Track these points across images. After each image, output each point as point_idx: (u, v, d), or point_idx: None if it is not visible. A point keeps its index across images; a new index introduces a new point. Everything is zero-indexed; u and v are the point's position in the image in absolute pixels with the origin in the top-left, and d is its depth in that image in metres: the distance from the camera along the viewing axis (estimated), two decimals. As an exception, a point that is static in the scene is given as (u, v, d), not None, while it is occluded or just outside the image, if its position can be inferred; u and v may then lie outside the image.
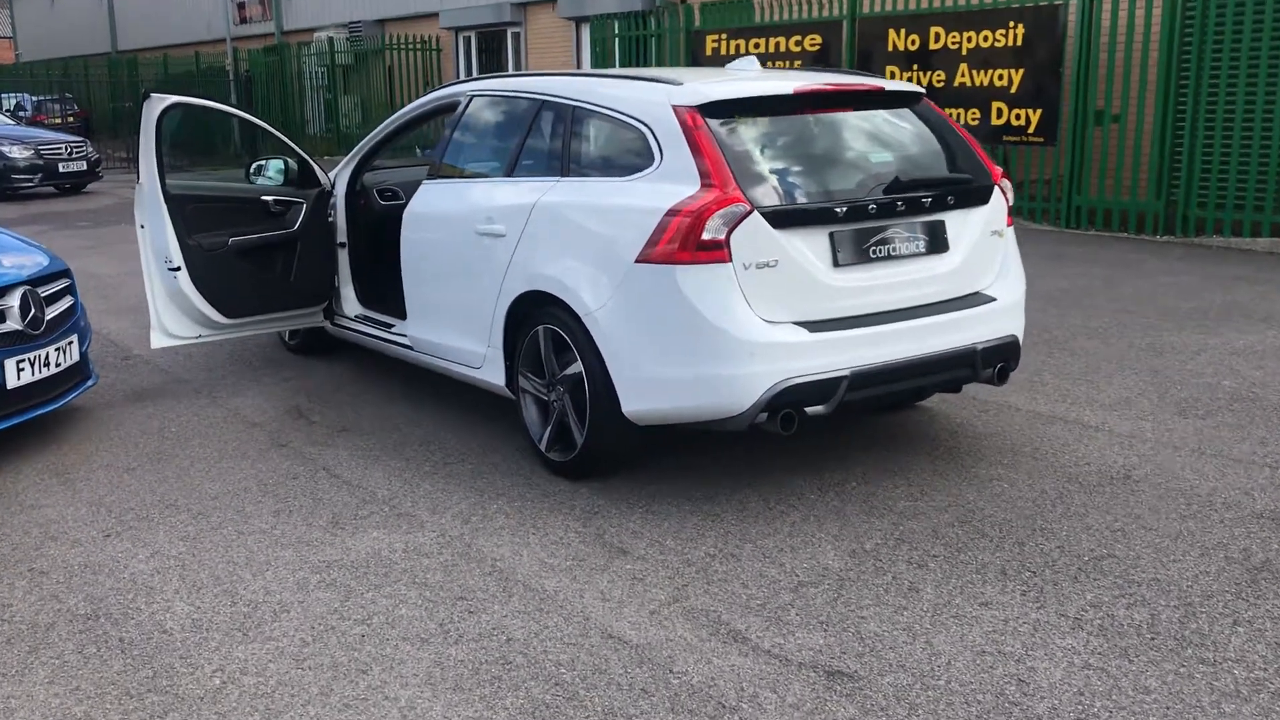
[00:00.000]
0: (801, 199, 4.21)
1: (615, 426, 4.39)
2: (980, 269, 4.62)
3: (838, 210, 4.19)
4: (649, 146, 4.33)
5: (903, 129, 4.65)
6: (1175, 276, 8.61)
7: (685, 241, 4.05)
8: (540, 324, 4.63)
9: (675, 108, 4.29)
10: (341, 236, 6.32)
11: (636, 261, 4.18)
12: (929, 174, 4.62)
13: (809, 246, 4.17)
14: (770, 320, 4.10)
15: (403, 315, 5.70)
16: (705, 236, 4.02)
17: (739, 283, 4.06)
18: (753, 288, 4.07)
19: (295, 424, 5.50)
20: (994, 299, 4.59)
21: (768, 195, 4.13)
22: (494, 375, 4.97)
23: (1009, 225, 4.76)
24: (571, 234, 4.49)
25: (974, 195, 4.60)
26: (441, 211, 5.28)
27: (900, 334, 4.28)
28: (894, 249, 4.35)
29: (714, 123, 4.24)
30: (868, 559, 3.80)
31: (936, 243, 4.47)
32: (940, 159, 4.70)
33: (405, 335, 5.63)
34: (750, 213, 4.04)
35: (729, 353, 4.04)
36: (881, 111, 4.66)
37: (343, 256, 6.33)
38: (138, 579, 3.82)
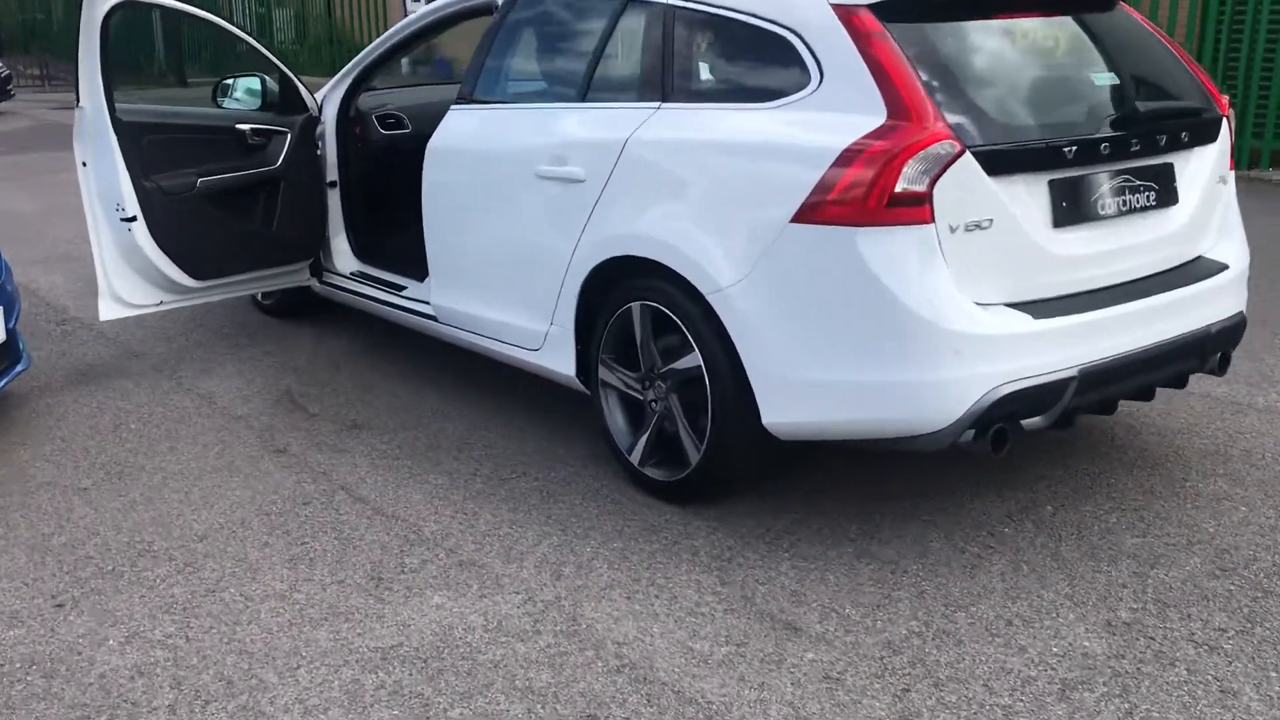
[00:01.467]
0: (1018, 135, 3.07)
1: (746, 440, 3.28)
2: (1205, 226, 3.55)
3: (1065, 150, 3.07)
4: (799, 61, 3.16)
5: (1115, 42, 3.52)
6: None
7: (871, 194, 2.90)
8: (635, 300, 3.48)
9: (837, 6, 3.11)
10: (332, 174, 5.09)
11: (793, 222, 3.02)
12: (1155, 103, 3.51)
13: (1030, 199, 3.05)
14: (982, 303, 2.99)
15: (420, 276, 4.51)
16: (901, 188, 2.89)
17: (942, 251, 2.93)
18: (959, 258, 2.96)
19: (290, 417, 4.31)
20: (1224, 266, 3.53)
21: (976, 129, 2.99)
22: (559, 362, 3.81)
23: (1230, 170, 3.68)
24: (687, 182, 3.33)
25: (1204, 131, 3.51)
26: (481, 148, 4.06)
27: (1132, 317, 3.21)
28: (1123, 202, 3.25)
29: (894, 28, 3.06)
30: (1135, 637, 2.76)
31: (1166, 193, 3.38)
32: (1161, 83, 3.58)
33: (427, 303, 4.43)
34: (961, 154, 2.91)
35: (930, 348, 2.94)
36: (1090, 16, 3.51)
37: (333, 198, 5.10)
38: (111, 686, 2.65)
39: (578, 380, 3.79)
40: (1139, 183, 3.28)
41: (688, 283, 3.27)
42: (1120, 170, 3.22)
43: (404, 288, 4.78)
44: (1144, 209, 3.31)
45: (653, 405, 3.51)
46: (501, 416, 4.27)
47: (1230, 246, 3.62)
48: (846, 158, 2.94)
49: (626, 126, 3.49)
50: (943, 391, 2.95)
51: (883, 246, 2.93)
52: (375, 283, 4.94)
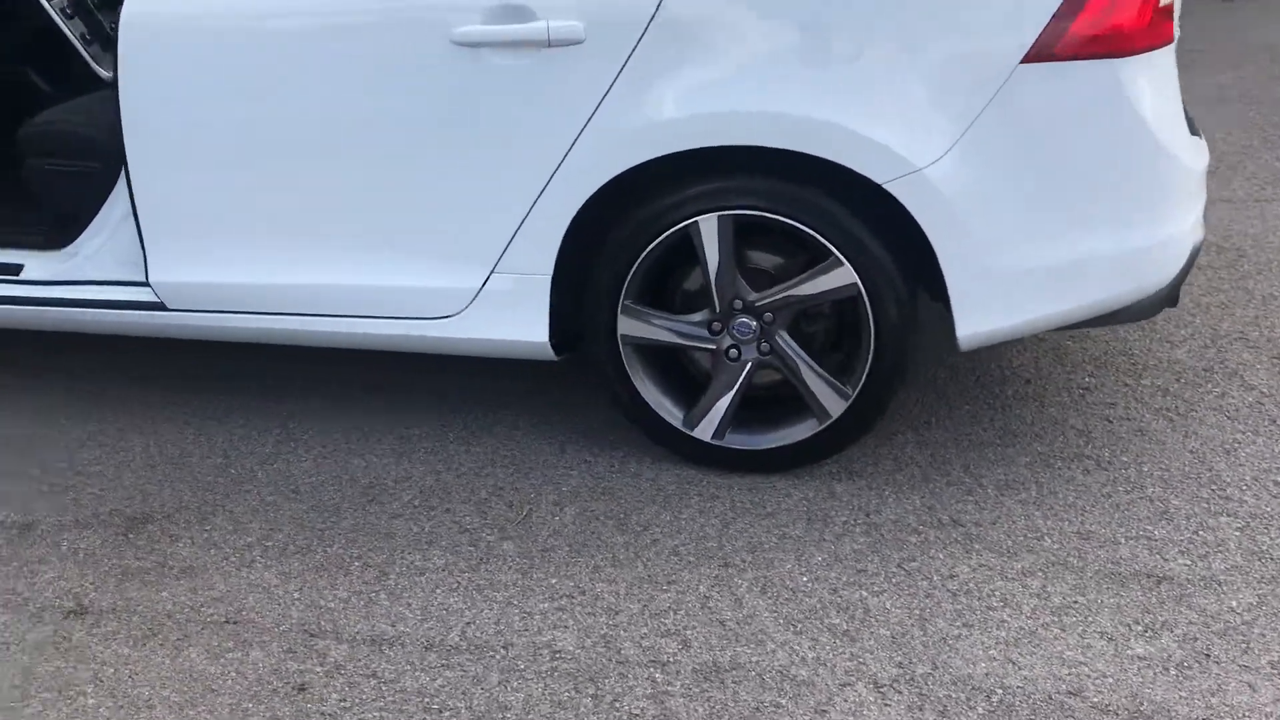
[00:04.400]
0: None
1: (906, 370, 2.47)
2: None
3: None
4: None
5: None
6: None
7: (1143, 9, 2.19)
8: (707, 211, 2.36)
9: None
10: None
11: (1026, 61, 2.19)
12: None
13: None
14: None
15: (42, 241, 2.82)
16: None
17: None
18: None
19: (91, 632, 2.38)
20: None
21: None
22: (504, 327, 2.54)
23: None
24: (832, 20, 2.24)
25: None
26: (287, 13, 2.40)
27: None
28: None
29: None
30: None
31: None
32: None
33: (116, 284, 2.69)
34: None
35: (1185, 197, 2.40)
36: None
37: None
38: None
39: (549, 349, 2.54)
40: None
41: (840, 172, 2.25)
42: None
43: (14, 268, 2.83)
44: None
45: (731, 354, 2.47)
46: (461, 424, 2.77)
47: None
48: (1102, -40, 2.15)
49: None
50: (1177, 245, 2.43)
51: (1145, 79, 2.24)
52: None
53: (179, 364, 3.02)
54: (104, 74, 3.40)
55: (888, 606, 2.12)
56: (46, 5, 3.28)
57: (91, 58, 3.41)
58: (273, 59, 2.38)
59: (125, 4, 2.40)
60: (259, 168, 2.47)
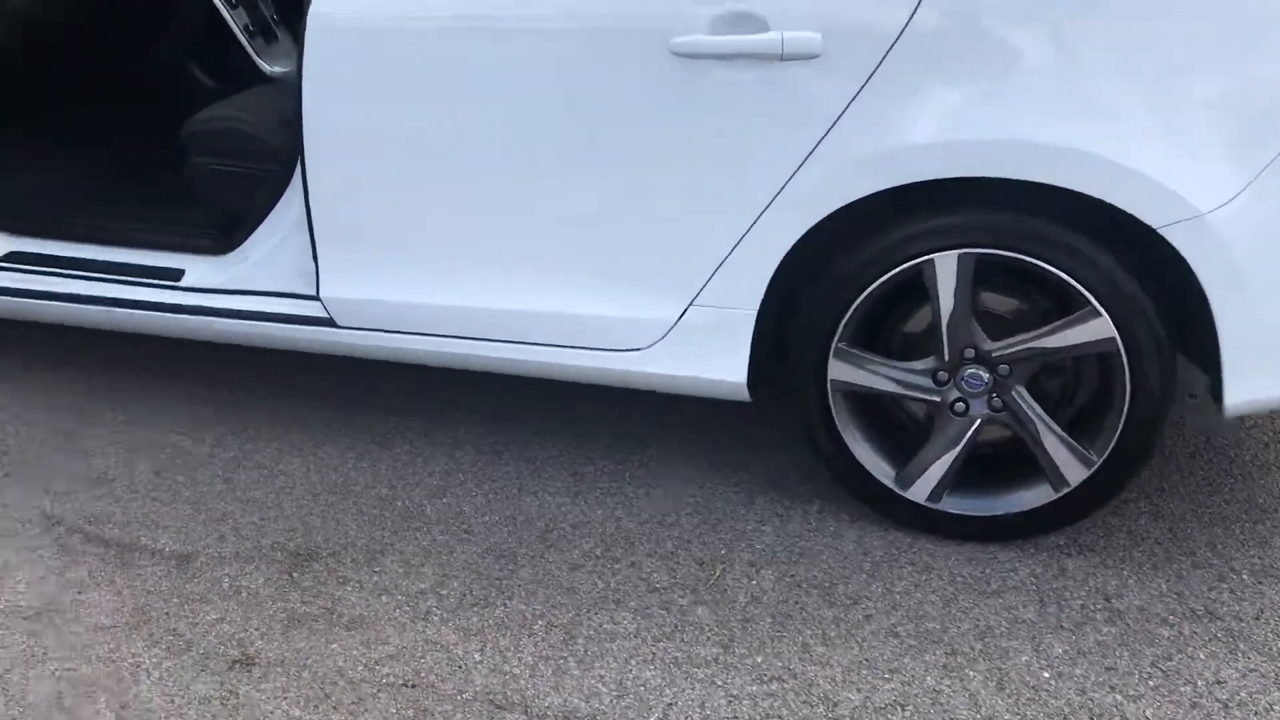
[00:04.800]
0: None
1: (1155, 438, 2.16)
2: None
3: None
4: None
5: None
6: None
7: None
8: (947, 248, 2.09)
9: None
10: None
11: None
12: None
13: None
14: None
15: (205, 245, 2.68)
16: None
17: None
18: None
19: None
20: None
21: None
22: (699, 364, 2.32)
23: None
24: (1093, 45, 1.95)
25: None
26: (490, 13, 2.19)
27: None
28: None
29: None
30: None
31: None
32: None
33: (319, 297, 2.50)
34: None
35: None
36: None
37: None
38: None
39: (745, 392, 2.30)
40: None
41: (1104, 212, 1.97)
42: None
43: (175, 273, 2.67)
44: None
45: (957, 408, 2.19)
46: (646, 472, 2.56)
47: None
48: None
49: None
50: None
51: None
52: (77, 270, 2.73)
53: (338, 380, 2.85)
54: (266, 68, 3.25)
55: (1148, 716, 1.84)
56: (212, -6, 3.14)
57: (254, 50, 3.26)
58: (469, 64, 2.18)
59: (315, 1, 2.20)
60: (446, 180, 2.28)
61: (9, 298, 2.75)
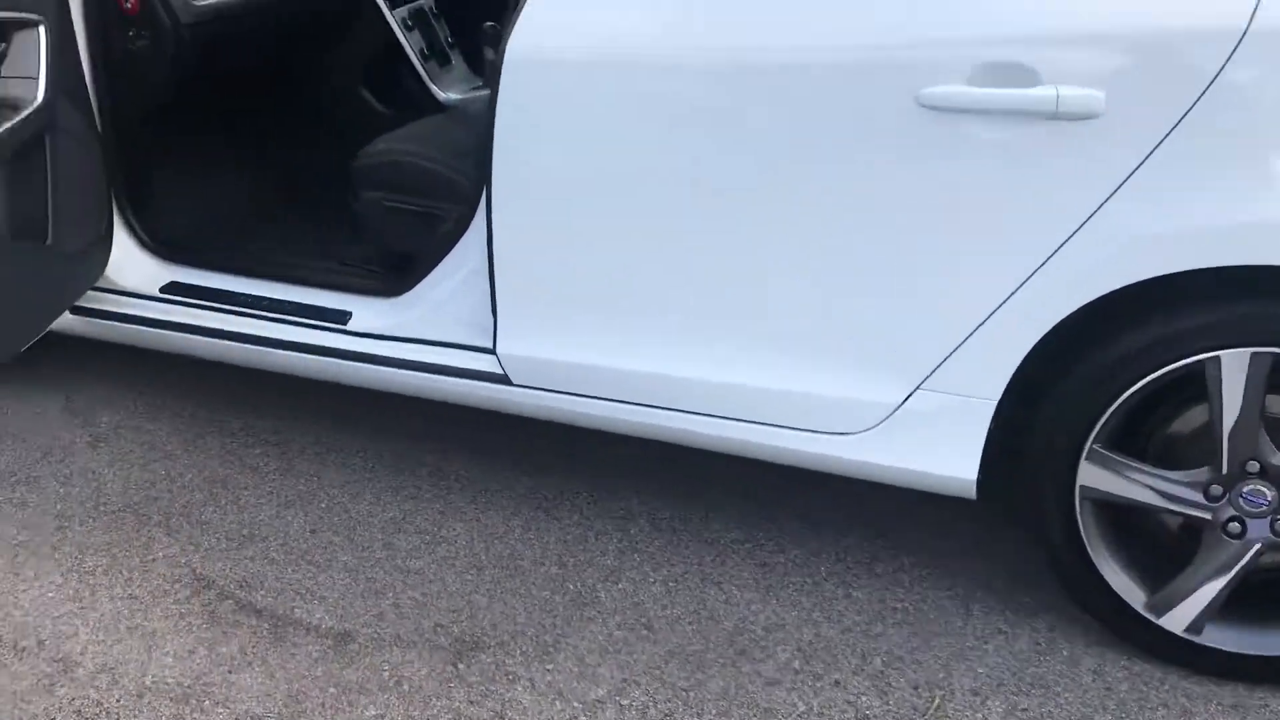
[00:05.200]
0: None
1: None
2: None
3: None
4: None
5: None
6: None
7: None
8: (1233, 345, 1.76)
9: None
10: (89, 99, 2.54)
11: None
12: None
13: None
14: None
15: (374, 286, 2.50)
16: None
17: None
18: None
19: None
20: None
21: None
22: (921, 456, 2.05)
23: None
24: None
25: None
26: (708, 53, 1.95)
27: None
28: None
29: None
30: None
31: None
32: None
33: (495, 351, 2.28)
34: None
35: None
36: None
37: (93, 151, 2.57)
38: None
39: (971, 491, 2.00)
40: None
41: None
42: None
43: (341, 315, 2.48)
44: None
45: (1231, 528, 1.86)
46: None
47: None
48: None
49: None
50: None
51: None
52: (237, 305, 2.56)
53: (499, 433, 2.63)
54: (441, 95, 3.08)
55: None
56: (389, 15, 2.98)
57: (428, 75, 3.09)
58: (684, 106, 1.95)
59: (514, 34, 2.00)
60: (647, 233, 2.04)
61: (166, 331, 2.60)
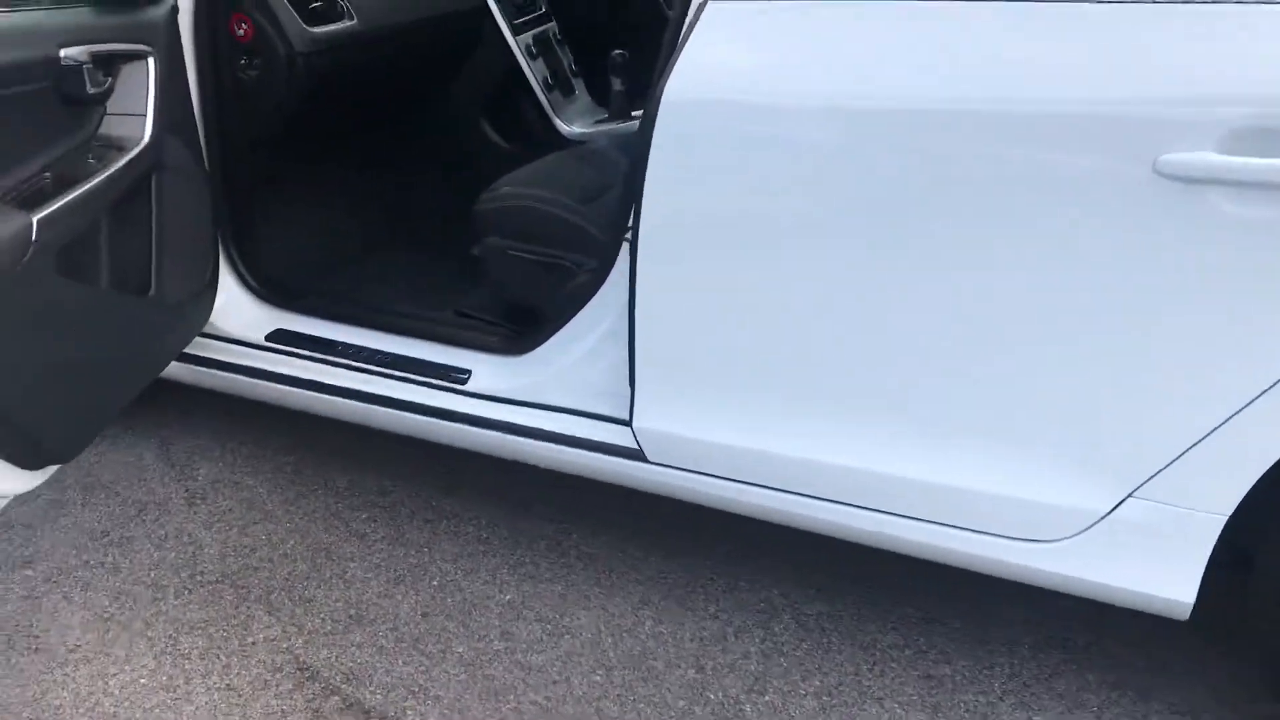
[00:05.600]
0: None
1: None
2: None
3: None
4: None
5: None
6: None
7: None
8: None
9: None
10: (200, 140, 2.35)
11: None
12: None
13: None
14: None
15: (498, 344, 2.28)
16: None
17: None
18: None
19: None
20: None
21: None
22: (1134, 569, 1.72)
23: None
24: None
25: None
26: (892, 102, 1.68)
27: None
28: None
29: None
30: None
31: None
32: None
33: (630, 424, 2.04)
34: None
35: None
36: None
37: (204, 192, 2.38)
38: None
39: (1188, 610, 1.71)
40: None
41: None
42: None
43: (460, 374, 2.27)
44: None
45: None
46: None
47: None
48: None
49: None
50: None
51: None
52: (346, 358, 2.36)
53: (624, 503, 2.40)
54: (565, 129, 2.86)
55: None
56: (513, 43, 2.77)
57: (551, 106, 2.87)
58: (874, 160, 1.69)
59: (670, 80, 1.76)
60: (819, 301, 1.79)
61: (270, 383, 2.41)
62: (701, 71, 1.75)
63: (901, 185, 1.67)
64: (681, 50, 1.76)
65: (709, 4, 1.75)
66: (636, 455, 2.08)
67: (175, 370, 2.47)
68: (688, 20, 1.78)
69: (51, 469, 1.88)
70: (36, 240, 1.64)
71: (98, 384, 1.91)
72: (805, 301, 1.79)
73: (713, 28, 1.74)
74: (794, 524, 2.00)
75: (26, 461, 1.78)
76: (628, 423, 2.05)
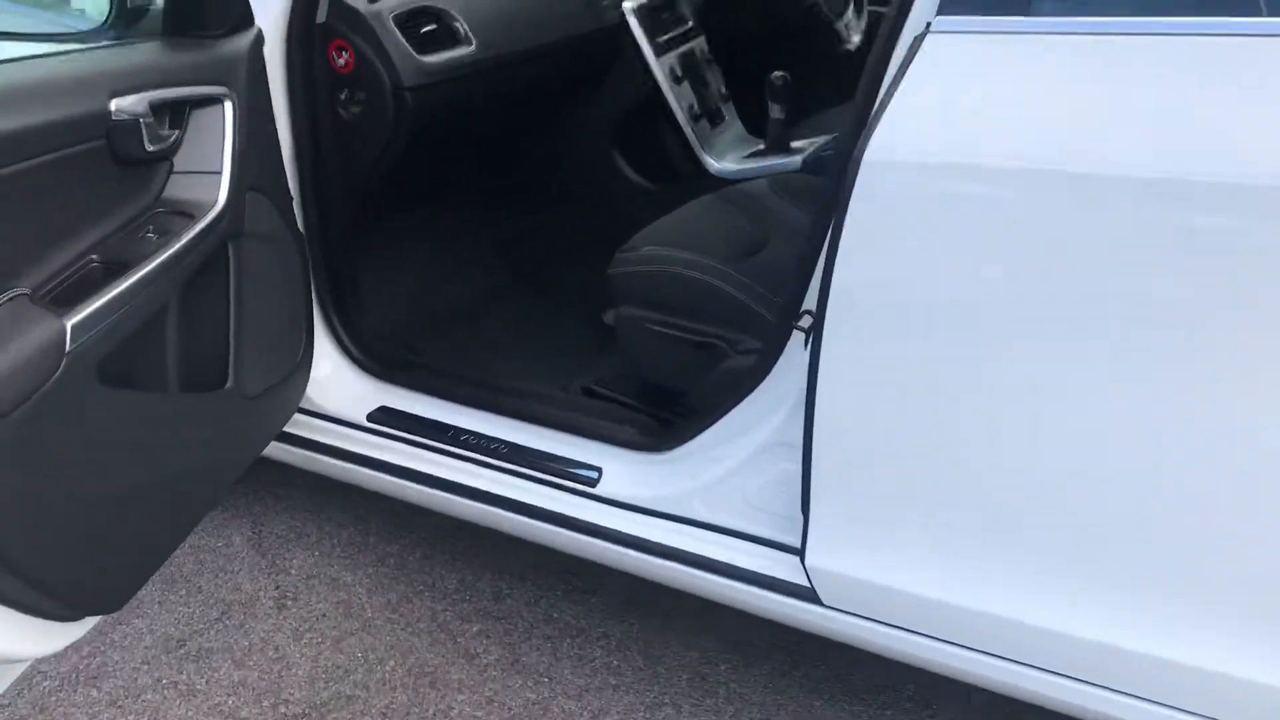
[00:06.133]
0: None
1: None
2: None
3: None
4: None
5: None
6: None
7: None
8: None
9: None
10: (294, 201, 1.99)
11: None
12: None
13: None
14: None
15: (641, 440, 1.84)
16: None
17: None
18: None
19: None
20: None
21: None
22: None
23: None
24: None
25: None
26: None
27: None
28: None
29: None
30: None
31: None
32: None
33: (801, 555, 1.60)
34: None
35: None
36: None
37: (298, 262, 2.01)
38: None
39: None
40: None
41: None
42: None
43: (588, 473, 1.87)
44: None
45: None
46: None
47: None
48: None
49: None
50: None
51: None
52: (456, 446, 1.98)
53: (774, 632, 1.97)
54: (712, 165, 2.45)
55: None
56: (655, 68, 2.37)
57: (697, 137, 2.46)
58: (1173, 247, 1.23)
59: (874, 137, 1.32)
60: (1078, 425, 1.34)
61: (371, 470, 2.07)
62: (920, 122, 1.32)
63: (1202, 278, 1.22)
64: (892, 97, 1.33)
65: (929, 36, 1.32)
66: (808, 595, 1.66)
67: (268, 447, 2.14)
68: (896, 58, 1.35)
69: (92, 621, 1.55)
70: (71, 351, 1.30)
71: (154, 513, 1.57)
72: (1055, 422, 1.35)
73: (935, 65, 1.31)
74: (997, 690, 1.56)
75: (59, 614, 1.45)
76: (799, 552, 1.64)
